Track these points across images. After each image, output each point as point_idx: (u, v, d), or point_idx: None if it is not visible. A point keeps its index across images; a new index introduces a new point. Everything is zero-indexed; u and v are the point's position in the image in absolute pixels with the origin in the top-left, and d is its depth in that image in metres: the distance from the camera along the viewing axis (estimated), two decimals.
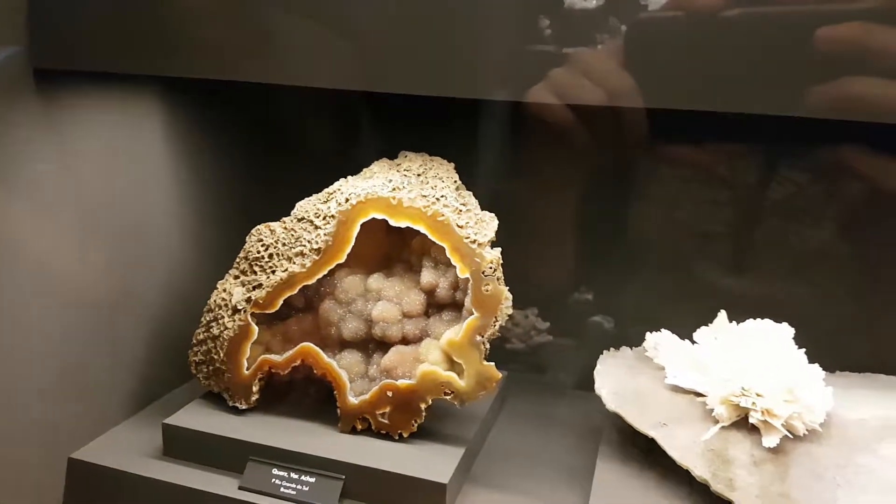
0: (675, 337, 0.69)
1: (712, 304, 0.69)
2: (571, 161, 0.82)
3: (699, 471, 0.58)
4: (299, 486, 0.63)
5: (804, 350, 0.63)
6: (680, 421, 0.62)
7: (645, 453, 0.64)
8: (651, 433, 0.62)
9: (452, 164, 0.73)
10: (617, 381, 0.67)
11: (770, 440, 0.58)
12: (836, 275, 0.76)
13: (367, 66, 0.57)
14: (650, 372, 0.69)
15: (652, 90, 0.50)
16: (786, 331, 0.63)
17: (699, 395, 0.64)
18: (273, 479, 0.63)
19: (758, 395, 0.59)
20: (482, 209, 0.69)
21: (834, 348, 0.69)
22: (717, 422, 0.61)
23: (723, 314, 0.68)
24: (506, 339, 0.89)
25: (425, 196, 0.67)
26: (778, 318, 0.65)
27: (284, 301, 0.69)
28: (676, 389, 0.65)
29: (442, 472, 0.62)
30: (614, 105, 0.51)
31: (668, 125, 0.75)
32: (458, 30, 0.54)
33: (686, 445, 0.60)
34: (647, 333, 0.71)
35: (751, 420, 0.60)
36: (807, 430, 0.60)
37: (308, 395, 0.74)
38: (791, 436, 0.59)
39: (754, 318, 0.66)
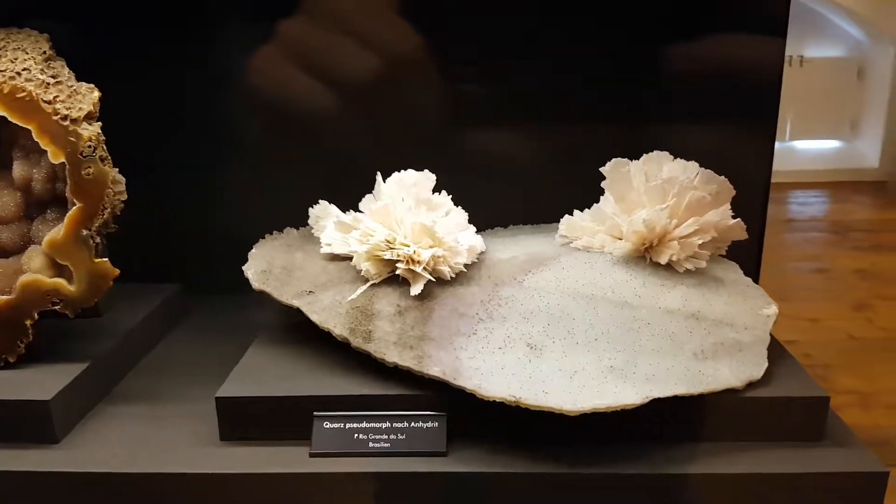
0: (335, 208, 0.64)
1: None
2: None
3: (339, 330, 0.53)
4: None
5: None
6: (328, 287, 0.57)
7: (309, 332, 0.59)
8: (294, 303, 0.56)
9: (46, 35, 0.61)
10: (267, 260, 0.61)
11: (415, 288, 0.55)
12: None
13: None
14: (309, 248, 0.63)
15: None
16: (428, 178, 0.60)
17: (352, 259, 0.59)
18: None
19: (402, 244, 0.56)
20: None
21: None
22: (367, 281, 0.57)
23: (378, 177, 0.63)
24: None
25: (1, 71, 0.55)
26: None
27: None
28: (333, 258, 0.60)
29: (47, 390, 0.52)
30: None
31: None
32: None
33: (330, 307, 0.55)
34: (310, 208, 0.65)
35: (398, 272, 0.56)
36: (454, 273, 0.57)
37: None
38: (436, 280, 0.56)
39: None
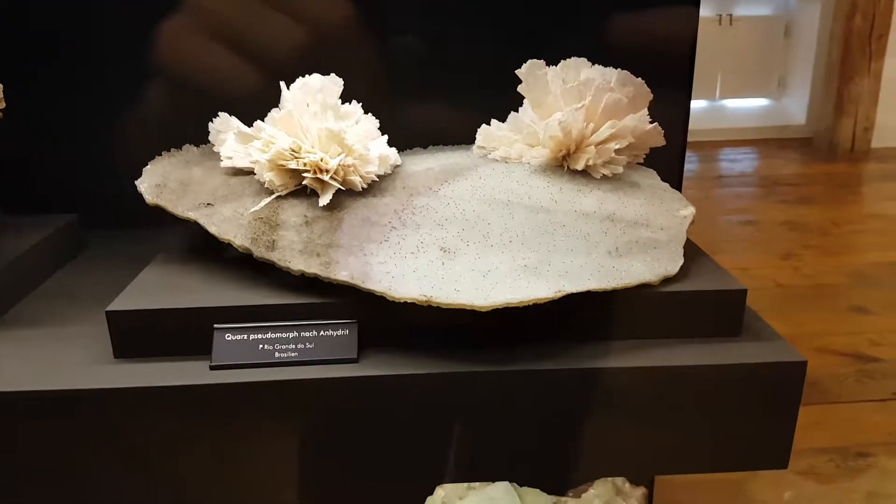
0: (237, 120, 0.60)
1: None
2: None
3: (240, 240, 0.50)
4: None
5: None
6: (229, 199, 0.54)
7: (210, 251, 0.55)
8: (190, 215, 0.52)
9: None
10: (162, 175, 0.57)
11: (324, 198, 0.52)
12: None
13: None
14: (210, 163, 0.59)
15: None
16: (335, 82, 0.57)
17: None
18: None
19: (308, 152, 0.52)
20: None
21: None
22: (271, 193, 0.54)
23: (282, 84, 0.59)
24: None
25: None
26: None
27: None
28: (235, 173, 0.57)
29: None
30: None
31: None
32: None
33: (230, 219, 0.52)
34: (210, 123, 0.61)
35: (305, 183, 0.53)
36: (366, 184, 0.54)
37: None
38: (346, 191, 0.53)
39: None
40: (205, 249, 0.56)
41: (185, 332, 0.48)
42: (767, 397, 0.46)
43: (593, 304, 0.48)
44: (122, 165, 0.63)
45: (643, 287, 0.48)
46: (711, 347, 0.48)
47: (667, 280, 0.49)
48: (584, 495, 0.69)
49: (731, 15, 2.91)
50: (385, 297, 0.46)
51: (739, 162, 2.88)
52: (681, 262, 0.50)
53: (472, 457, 0.48)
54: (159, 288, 0.51)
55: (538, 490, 0.67)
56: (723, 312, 0.49)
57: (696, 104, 2.96)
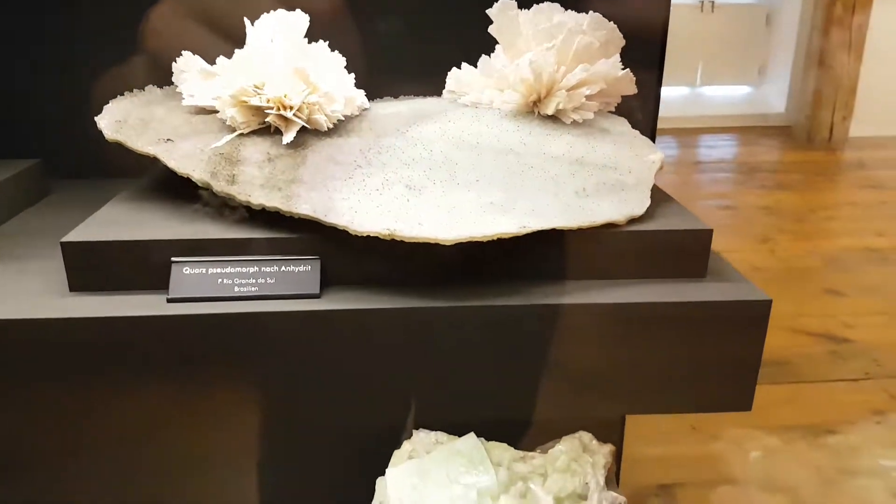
0: (200, 59, 0.58)
1: None
2: None
3: (199, 174, 0.49)
4: None
5: None
6: (190, 136, 0.53)
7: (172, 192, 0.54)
8: (150, 150, 0.51)
9: None
10: (123, 112, 0.55)
11: (287, 135, 0.51)
12: None
13: None
14: (173, 104, 0.58)
15: None
16: (300, 18, 0.55)
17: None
18: None
19: (270, 88, 0.51)
20: None
21: None
22: (233, 131, 0.52)
23: (246, 21, 0.57)
24: None
25: None
26: None
27: None
28: (198, 112, 0.55)
29: None
30: None
31: None
32: None
33: (191, 154, 0.50)
34: (173, 63, 0.59)
35: (268, 120, 0.52)
36: (332, 123, 0.53)
37: None
38: (311, 130, 0.52)
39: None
40: (168, 190, 0.55)
41: (143, 266, 0.47)
42: (732, 337, 0.46)
43: (558, 244, 0.48)
44: (88, 115, 0.62)
45: (609, 226, 0.48)
46: (676, 287, 0.48)
47: (633, 221, 0.49)
48: (550, 451, 0.69)
49: (713, 2, 2.92)
50: (348, 232, 0.46)
51: (718, 148, 2.89)
52: (647, 203, 0.50)
53: (436, 394, 0.48)
54: (117, 222, 0.50)
55: (506, 445, 0.66)
56: (688, 253, 0.49)
57: (677, 91, 2.97)
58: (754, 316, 0.46)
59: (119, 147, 0.52)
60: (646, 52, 0.68)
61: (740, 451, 1.19)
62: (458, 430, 0.59)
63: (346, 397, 0.48)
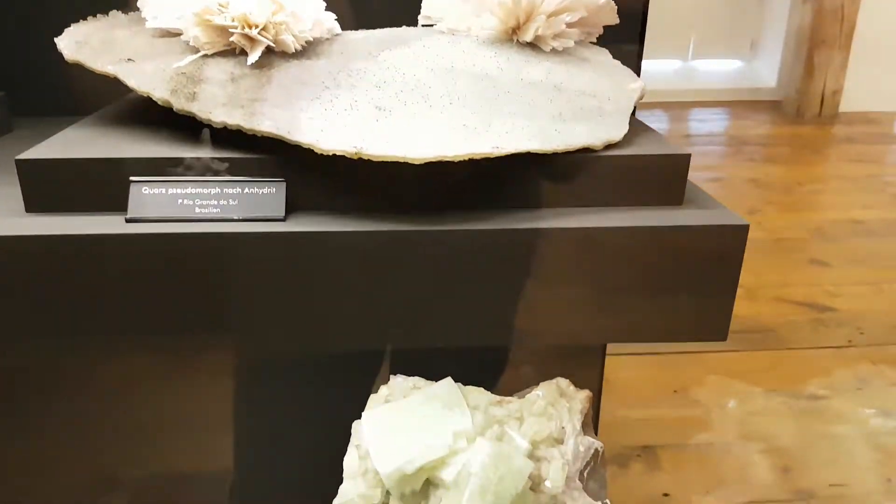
0: None
1: None
2: None
3: (159, 93, 0.47)
4: None
5: None
6: (152, 57, 0.50)
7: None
8: (110, 69, 0.49)
9: None
10: (86, 34, 0.53)
11: (252, 55, 0.49)
12: None
13: None
14: (137, 27, 0.55)
15: None
16: None
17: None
18: None
19: (236, 6, 0.49)
20: None
21: None
22: (197, 51, 0.50)
23: None
24: None
25: None
26: None
27: None
28: (161, 34, 0.53)
29: None
30: None
31: None
32: None
33: (152, 74, 0.48)
34: None
35: (233, 40, 0.50)
36: (299, 45, 0.51)
37: None
38: (276, 50, 0.50)
39: None
40: (131, 118, 0.53)
41: (101, 186, 0.45)
42: (709, 263, 0.45)
43: (533, 170, 0.46)
44: (55, 50, 0.60)
45: (585, 151, 0.46)
46: (653, 213, 0.46)
47: (611, 147, 0.47)
48: (527, 396, 0.68)
49: None
50: (313, 153, 0.44)
51: (709, 122, 2.88)
52: (625, 129, 0.48)
53: (406, 320, 0.46)
54: (77, 142, 0.48)
55: (482, 389, 0.65)
56: (665, 179, 0.47)
57: (669, 64, 2.95)
58: (731, 241, 0.45)
59: (84, 84, 0.50)
60: (626, 25, 0.66)
61: (722, 414, 1.19)
62: (435, 377, 0.57)
63: (312, 324, 0.46)
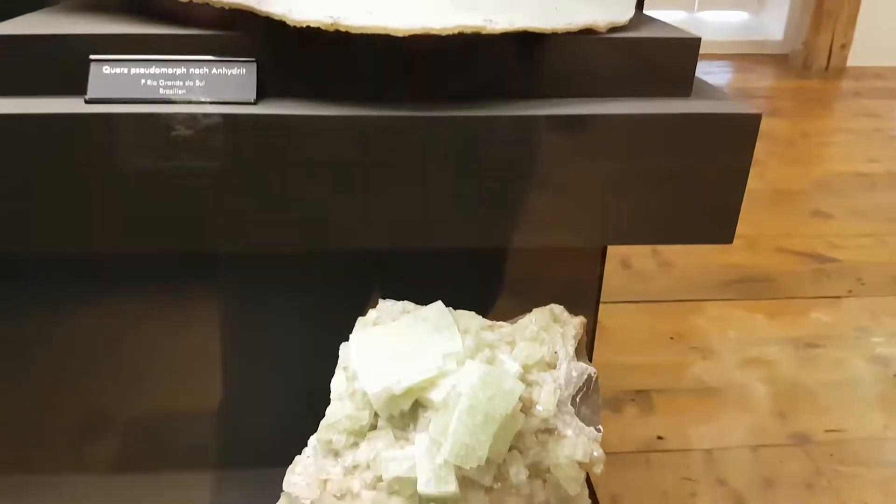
0: None
1: None
2: None
3: None
4: None
5: None
6: None
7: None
8: None
9: None
10: None
11: None
12: None
13: None
14: None
15: None
16: None
17: None
18: None
19: None
20: None
21: None
22: None
23: None
24: None
25: None
26: None
27: None
28: None
29: None
30: None
31: None
32: None
33: None
34: None
35: None
36: None
37: None
38: None
39: None
40: (96, 7, 0.49)
41: (59, 66, 0.41)
42: (718, 155, 0.41)
43: (530, 52, 0.42)
44: None
45: (588, 33, 0.43)
46: (660, 102, 0.43)
47: (615, 30, 0.44)
48: (520, 321, 0.65)
49: None
50: (286, 29, 0.40)
51: (714, 75, 2.81)
52: (632, 12, 0.45)
53: (387, 215, 0.43)
54: (36, 21, 0.44)
55: (473, 313, 0.63)
56: (674, 66, 0.43)
57: (675, 15, 2.87)
58: (742, 131, 0.41)
59: None
60: None
61: (718, 360, 1.17)
62: (425, 302, 0.54)
63: (286, 219, 0.43)
